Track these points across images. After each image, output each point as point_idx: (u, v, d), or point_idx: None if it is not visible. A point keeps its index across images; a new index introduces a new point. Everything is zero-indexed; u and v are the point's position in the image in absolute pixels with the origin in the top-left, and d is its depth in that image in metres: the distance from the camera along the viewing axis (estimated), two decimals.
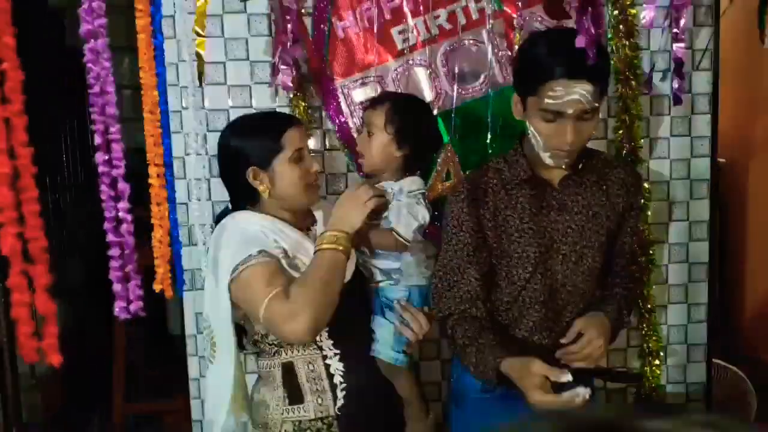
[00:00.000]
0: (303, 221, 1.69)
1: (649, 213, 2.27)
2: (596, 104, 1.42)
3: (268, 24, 2.12)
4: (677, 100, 1.92)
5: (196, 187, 2.12)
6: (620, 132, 2.25)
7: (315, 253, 1.55)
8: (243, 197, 1.65)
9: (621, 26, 2.20)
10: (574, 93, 1.38)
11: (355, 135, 2.09)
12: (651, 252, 2.31)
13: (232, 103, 2.15)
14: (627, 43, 2.22)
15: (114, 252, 0.71)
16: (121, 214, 0.71)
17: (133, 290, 0.72)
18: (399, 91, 2.16)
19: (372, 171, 1.83)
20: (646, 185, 2.28)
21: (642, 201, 2.25)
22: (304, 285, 1.48)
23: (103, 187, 0.70)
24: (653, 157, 2.30)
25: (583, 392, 1.36)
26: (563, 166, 1.51)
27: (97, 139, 0.70)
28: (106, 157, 0.68)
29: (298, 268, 1.58)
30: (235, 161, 1.61)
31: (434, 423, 1.84)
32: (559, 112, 1.41)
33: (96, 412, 3.59)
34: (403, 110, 1.77)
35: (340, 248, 1.52)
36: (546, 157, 1.48)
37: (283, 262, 1.55)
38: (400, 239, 1.67)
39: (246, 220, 1.60)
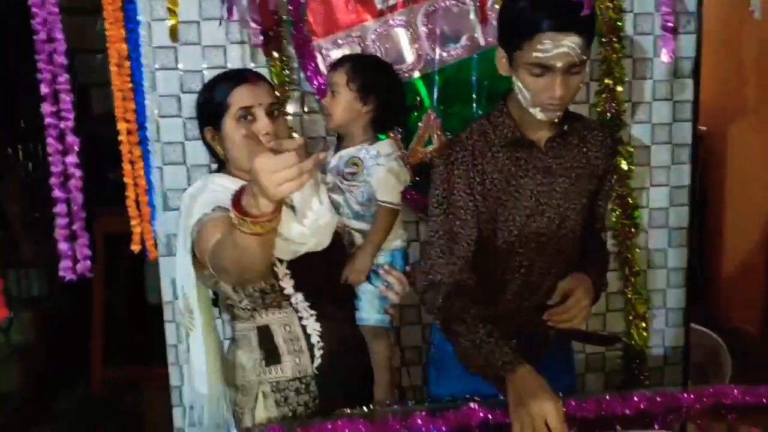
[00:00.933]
0: None
1: (631, 177, 2.26)
2: (584, 57, 1.39)
3: None
4: (668, 29, 1.88)
5: (171, 150, 2.07)
6: (603, 96, 2.23)
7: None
8: (215, 159, 1.61)
9: None
10: (563, 46, 1.35)
11: None
12: (635, 215, 2.31)
13: (206, 64, 2.09)
14: (611, 5, 2.19)
15: (60, 209, 0.67)
16: (69, 169, 0.67)
17: (80, 250, 0.68)
18: (380, 52, 2.11)
19: (339, 129, 1.81)
20: (630, 149, 2.27)
21: (625, 165, 2.26)
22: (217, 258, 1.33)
23: (50, 140, 0.65)
24: (635, 121, 2.29)
25: None
26: (555, 120, 1.48)
27: (44, 89, 0.65)
28: (54, 109, 0.64)
29: None
30: (198, 121, 1.58)
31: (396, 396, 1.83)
32: (548, 65, 1.38)
33: (76, 380, 3.57)
34: (363, 67, 1.76)
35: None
36: (537, 112, 1.45)
37: None
38: (392, 206, 1.69)
39: (214, 184, 1.53)
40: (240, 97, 1.50)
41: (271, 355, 1.59)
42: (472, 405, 1.43)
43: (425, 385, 1.95)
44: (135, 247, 0.79)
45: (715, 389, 1.48)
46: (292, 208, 1.58)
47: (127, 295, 3.86)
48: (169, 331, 2.16)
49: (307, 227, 1.56)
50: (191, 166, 2.11)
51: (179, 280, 1.59)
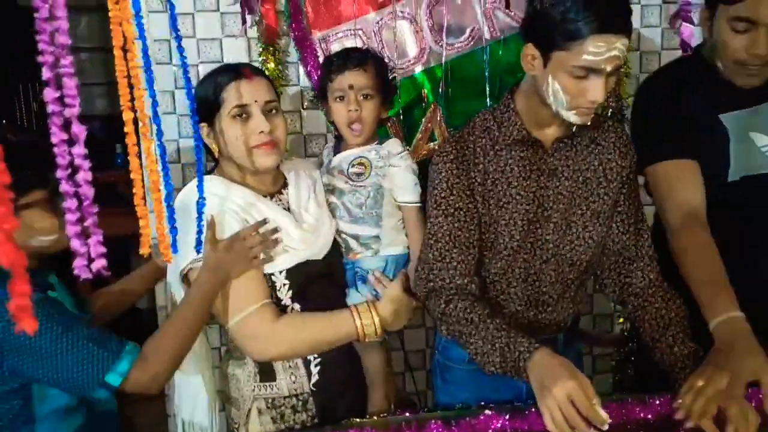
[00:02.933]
0: (272, 184, 1.54)
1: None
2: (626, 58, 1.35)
3: None
4: (685, 47, 1.84)
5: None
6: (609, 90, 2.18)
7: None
8: (211, 157, 1.53)
9: None
10: (615, 48, 1.27)
11: None
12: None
13: (201, 58, 2.01)
14: None
15: (70, 204, 0.59)
16: (76, 160, 0.59)
17: (94, 246, 0.61)
18: (380, 46, 2.04)
19: (365, 140, 1.62)
20: None
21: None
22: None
23: (54, 129, 0.58)
24: None
25: (606, 421, 1.18)
26: (588, 123, 1.40)
27: (46, 73, 0.57)
28: (57, 95, 0.56)
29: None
30: (193, 117, 1.50)
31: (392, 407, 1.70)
32: (597, 69, 1.28)
33: None
34: (385, 67, 1.66)
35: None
36: (570, 116, 1.35)
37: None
38: (417, 205, 1.60)
39: (206, 192, 1.41)
40: (236, 93, 1.43)
41: (265, 370, 1.50)
42: (488, 412, 1.36)
43: (430, 391, 1.89)
44: (144, 251, 0.72)
45: None
46: (291, 213, 1.51)
47: None
48: None
49: (309, 232, 1.50)
50: (186, 164, 2.04)
51: (169, 277, 1.53)
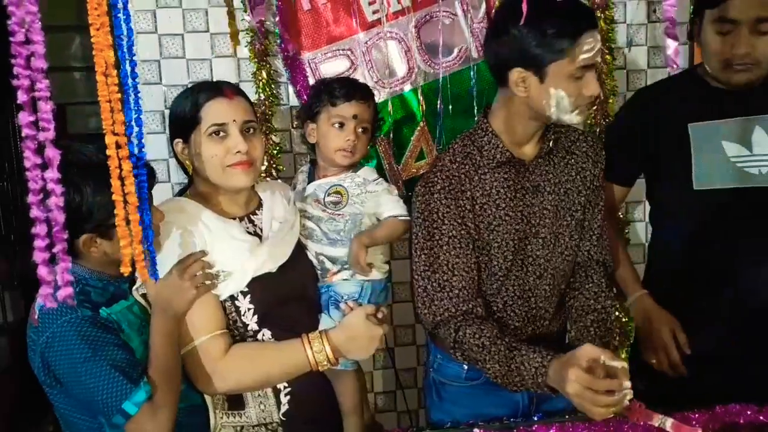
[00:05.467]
0: (246, 204, 1.50)
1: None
2: None
3: None
4: (671, 64, 1.85)
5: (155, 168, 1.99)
6: (594, 107, 2.19)
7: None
8: (184, 173, 1.50)
9: None
10: (598, 41, 1.36)
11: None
12: (626, 232, 2.27)
13: (191, 77, 2.02)
14: (602, 15, 2.16)
15: (39, 230, 0.59)
16: (49, 185, 0.59)
17: (61, 275, 0.60)
18: (369, 66, 2.06)
19: (350, 166, 1.62)
20: None
21: None
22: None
23: (28, 153, 0.58)
24: None
25: (627, 387, 1.19)
26: (588, 120, 1.46)
27: (21, 97, 0.58)
28: (32, 119, 0.57)
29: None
30: (170, 132, 1.48)
31: None
32: (591, 64, 1.36)
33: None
34: (372, 97, 1.65)
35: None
36: (572, 117, 1.40)
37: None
38: (405, 219, 1.58)
39: (174, 216, 1.40)
40: (214, 112, 1.39)
41: (233, 398, 1.45)
42: (476, 431, 1.36)
43: (422, 409, 1.88)
44: (125, 270, 0.72)
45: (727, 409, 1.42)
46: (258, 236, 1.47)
47: None
48: None
49: (270, 241, 1.45)
50: (176, 185, 2.04)
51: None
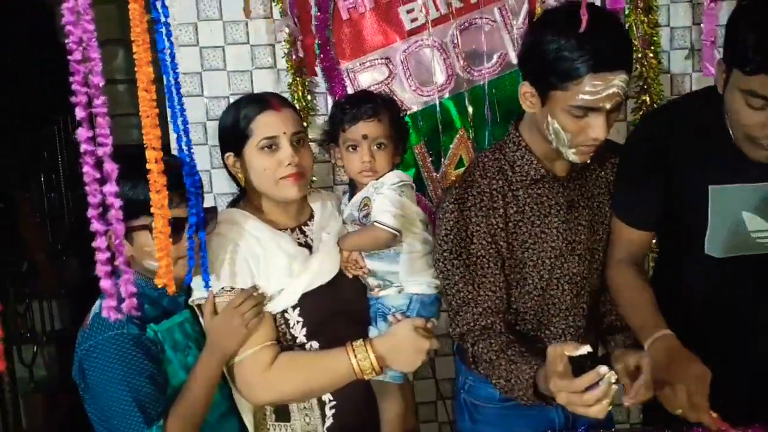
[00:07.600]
0: (297, 215, 1.52)
1: None
2: (627, 92, 1.28)
3: (269, 5, 2.01)
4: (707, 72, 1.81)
5: None
6: (641, 113, 2.15)
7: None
8: (237, 186, 1.53)
9: (639, 2, 2.09)
10: (613, 86, 1.22)
11: None
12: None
13: (232, 89, 2.05)
14: (646, 19, 2.12)
15: (100, 243, 0.60)
16: (108, 199, 0.60)
17: (125, 287, 0.61)
18: (408, 73, 2.05)
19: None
20: None
21: None
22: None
23: (87, 168, 0.59)
24: None
25: (605, 372, 1.08)
26: (588, 161, 1.37)
27: (79, 113, 0.59)
28: (90, 134, 0.58)
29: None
30: (220, 146, 1.50)
31: None
32: (596, 108, 1.24)
33: None
34: (398, 112, 1.61)
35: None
36: (570, 154, 1.32)
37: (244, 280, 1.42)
38: (386, 228, 1.47)
39: (227, 228, 1.43)
40: (264, 125, 1.42)
41: (280, 410, 1.47)
42: None
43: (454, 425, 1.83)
44: (159, 282, 0.72)
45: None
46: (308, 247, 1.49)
47: None
48: None
49: (320, 249, 1.47)
50: (217, 195, 2.07)
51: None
